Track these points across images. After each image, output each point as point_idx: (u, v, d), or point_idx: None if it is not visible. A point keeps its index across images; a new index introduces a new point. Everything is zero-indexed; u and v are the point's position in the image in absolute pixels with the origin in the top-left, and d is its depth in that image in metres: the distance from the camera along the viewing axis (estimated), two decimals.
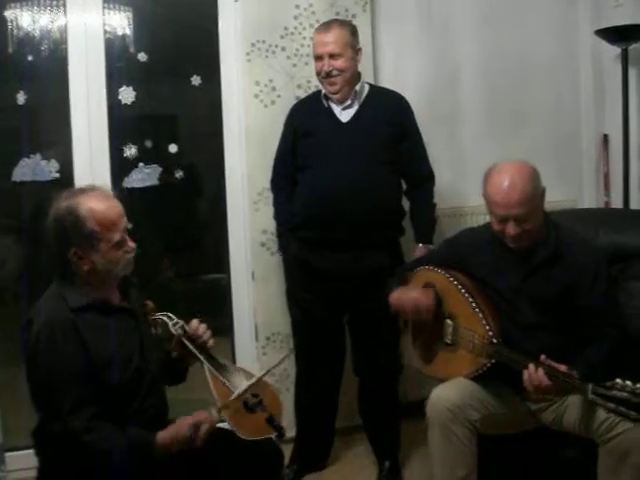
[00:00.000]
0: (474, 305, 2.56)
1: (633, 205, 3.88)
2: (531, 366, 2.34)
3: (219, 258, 3.85)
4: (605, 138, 4.16)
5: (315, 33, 3.20)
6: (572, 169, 4.18)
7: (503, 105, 4.06)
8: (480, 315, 2.53)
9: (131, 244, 2.23)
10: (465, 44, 3.97)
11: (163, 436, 2.10)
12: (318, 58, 3.13)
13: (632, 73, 3.85)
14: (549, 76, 4.13)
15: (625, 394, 2.09)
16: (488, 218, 3.67)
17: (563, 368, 2.31)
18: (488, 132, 4.04)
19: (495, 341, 2.48)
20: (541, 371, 2.31)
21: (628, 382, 2.11)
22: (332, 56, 3.09)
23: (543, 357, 2.34)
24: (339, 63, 3.09)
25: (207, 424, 2.13)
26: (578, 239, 2.61)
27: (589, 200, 4.17)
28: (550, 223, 2.59)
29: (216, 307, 3.85)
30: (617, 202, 4.04)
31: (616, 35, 3.75)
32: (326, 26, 3.16)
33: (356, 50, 3.16)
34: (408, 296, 2.72)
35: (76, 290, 2.18)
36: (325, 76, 3.11)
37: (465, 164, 3.99)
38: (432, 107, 3.81)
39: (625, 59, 3.77)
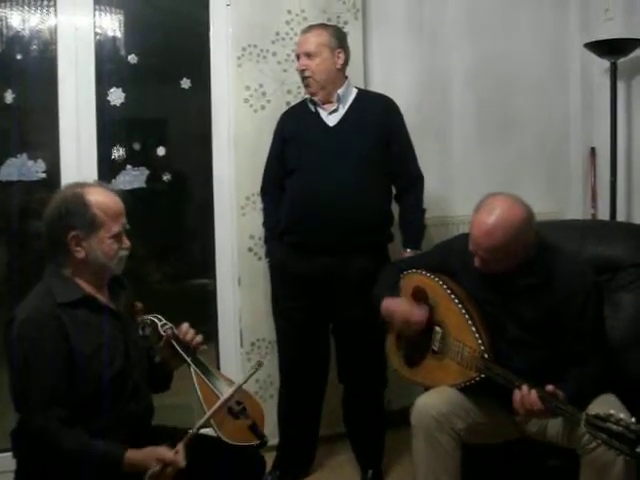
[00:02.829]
0: (467, 317, 2.54)
1: (619, 217, 3.90)
2: (524, 387, 2.31)
3: (205, 263, 3.82)
4: (592, 151, 4.17)
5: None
6: (559, 180, 4.20)
7: (492, 115, 4.08)
8: (473, 328, 2.51)
9: (127, 242, 2.25)
10: (455, 53, 3.99)
11: (133, 457, 2.06)
12: (297, 57, 3.17)
13: (620, 86, 3.89)
14: (538, 87, 4.15)
15: (620, 428, 2.07)
16: None
17: (551, 388, 2.28)
18: (476, 142, 4.06)
19: (487, 356, 2.46)
20: (534, 394, 2.28)
21: (622, 415, 2.09)
22: (307, 55, 3.12)
23: (550, 387, 2.28)
24: (313, 63, 3.12)
25: (173, 467, 2.07)
26: (570, 264, 2.53)
27: (575, 212, 4.18)
28: (541, 247, 2.52)
29: (202, 312, 3.82)
30: (603, 214, 4.04)
31: (605, 48, 3.77)
32: (309, 27, 3.21)
33: (335, 52, 3.16)
34: (400, 308, 2.70)
35: (66, 285, 2.16)
36: (301, 75, 3.15)
37: (453, 173, 4.02)
38: (421, 115, 3.81)
39: (614, 73, 3.79)
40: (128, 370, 2.23)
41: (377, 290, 2.82)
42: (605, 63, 3.88)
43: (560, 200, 4.15)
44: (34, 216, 3.57)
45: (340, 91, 3.16)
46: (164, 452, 2.08)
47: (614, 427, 2.08)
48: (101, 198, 2.19)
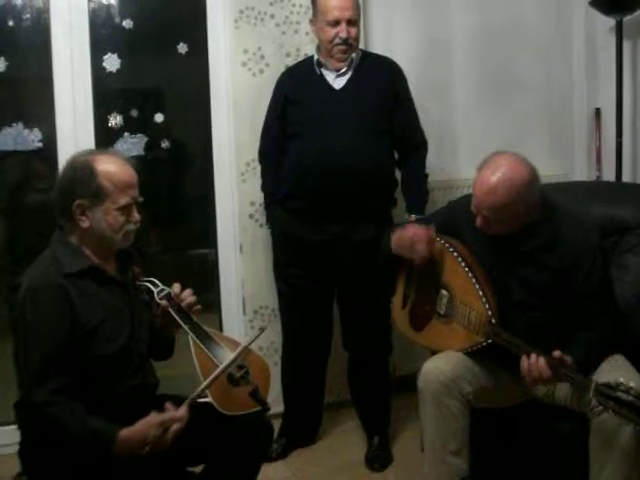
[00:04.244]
0: (474, 281, 2.49)
1: (625, 179, 3.85)
2: (533, 355, 2.28)
3: (206, 232, 3.78)
4: (597, 112, 4.11)
5: None
6: (564, 142, 4.14)
7: (494, 77, 4.01)
8: (480, 292, 2.47)
9: (136, 215, 2.18)
10: (457, 13, 3.91)
11: (127, 435, 1.98)
12: (334, 23, 3.02)
13: (627, 45, 3.81)
14: (541, 47, 4.08)
15: (630, 397, 2.05)
16: None
17: (558, 354, 2.25)
18: (479, 104, 4.00)
19: (494, 321, 2.42)
20: (543, 361, 2.25)
21: (632, 384, 2.07)
22: (350, 22, 3.02)
23: (557, 353, 2.26)
24: (355, 31, 3.04)
25: (177, 424, 2.02)
26: (577, 226, 2.49)
27: (580, 174, 4.13)
28: (548, 208, 2.48)
29: (203, 282, 3.79)
30: (608, 176, 4.00)
31: (611, 6, 3.70)
32: None
33: (360, 14, 3.12)
34: (410, 228, 2.65)
35: (72, 254, 2.12)
36: (341, 43, 3.03)
37: (456, 137, 3.96)
38: (422, 78, 3.73)
39: (620, 31, 3.71)
40: (133, 344, 2.19)
41: (384, 238, 2.77)
42: (610, 21, 3.80)
43: (565, 162, 4.10)
44: (32, 187, 3.54)
45: (353, 54, 3.09)
46: (157, 415, 2.02)
47: (624, 396, 2.06)
48: (111, 168, 2.12)
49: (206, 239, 3.81)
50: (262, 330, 2.45)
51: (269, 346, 3.52)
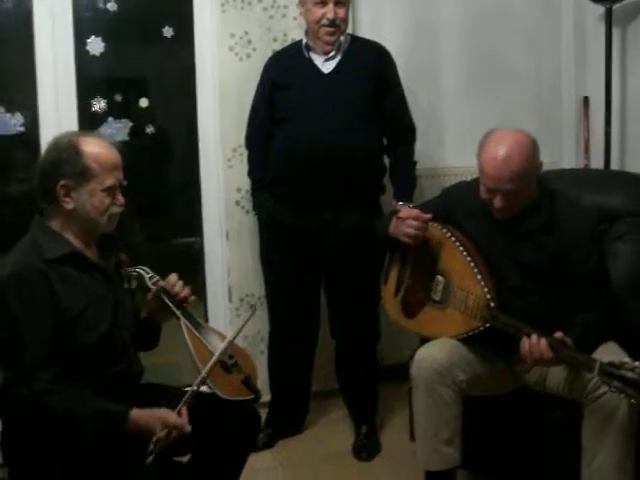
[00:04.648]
0: (472, 265, 2.47)
1: (613, 167, 3.82)
2: (534, 336, 2.26)
3: (191, 220, 3.74)
4: (585, 100, 4.09)
5: None
6: (552, 131, 4.11)
7: (482, 64, 3.98)
8: (478, 276, 2.44)
9: (121, 198, 2.13)
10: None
11: (136, 417, 1.98)
12: (320, 4, 2.98)
13: (616, 33, 3.78)
14: (529, 34, 4.05)
15: (635, 375, 2.03)
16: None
17: (560, 335, 2.24)
18: (467, 91, 3.97)
19: (492, 305, 2.40)
20: (544, 342, 2.23)
21: (637, 363, 2.06)
22: (337, 3, 2.98)
23: (559, 334, 2.24)
24: (342, 11, 3.00)
25: (178, 431, 2.00)
26: (574, 209, 2.50)
27: (569, 162, 4.11)
28: (545, 191, 2.49)
29: (188, 271, 3.73)
30: (596, 164, 3.97)
31: None
32: None
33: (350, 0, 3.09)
34: (405, 210, 2.64)
35: (53, 239, 2.07)
36: (327, 24, 2.98)
37: (443, 124, 3.93)
38: (410, 64, 3.66)
39: (609, 19, 3.69)
40: (116, 331, 2.14)
41: (380, 223, 2.76)
42: (599, 9, 3.79)
43: (553, 150, 4.05)
44: (12, 177, 3.48)
45: (342, 38, 3.06)
46: (168, 415, 2.00)
47: (629, 374, 2.05)
48: (96, 149, 2.08)
49: (191, 227, 3.76)
50: (254, 309, 2.42)
51: (255, 335, 3.48)
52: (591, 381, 2.26)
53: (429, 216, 2.58)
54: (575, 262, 2.42)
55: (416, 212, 2.60)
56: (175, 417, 2.00)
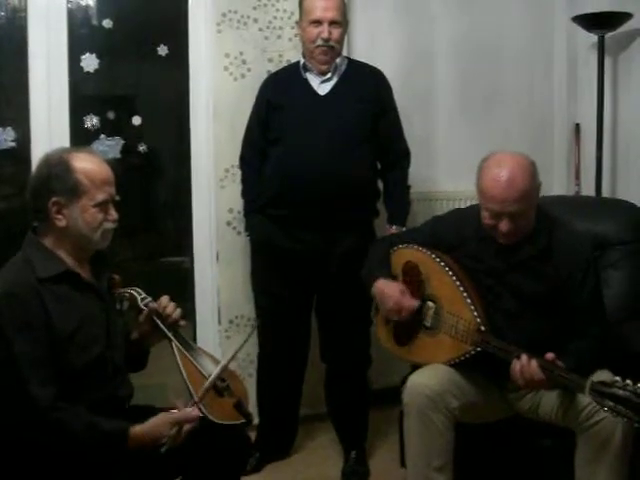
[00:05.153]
0: (461, 289, 2.45)
1: (604, 194, 3.85)
2: (524, 357, 2.24)
3: (180, 240, 3.70)
4: (577, 127, 4.12)
5: None
6: (543, 157, 4.06)
7: (475, 89, 4.01)
8: (468, 300, 2.43)
9: (114, 214, 2.10)
10: (440, 24, 3.91)
11: (139, 430, 1.97)
12: (315, 23, 2.99)
13: (608, 62, 3.82)
14: (523, 61, 4.09)
15: (627, 393, 2.01)
16: (458, 205, 3.67)
17: (551, 356, 2.22)
18: (460, 116, 3.99)
19: (483, 328, 2.38)
20: (534, 363, 2.22)
21: (629, 381, 2.04)
22: (333, 23, 2.99)
23: (550, 355, 2.22)
24: (337, 32, 3.01)
25: (190, 424, 2.00)
26: (571, 236, 2.49)
27: (559, 188, 4.13)
28: (542, 216, 2.48)
29: (178, 290, 3.69)
30: (586, 191, 4.01)
31: (594, 22, 3.70)
32: None
33: (347, 23, 3.10)
34: (394, 294, 2.56)
35: (46, 258, 2.03)
36: (322, 44, 2.99)
37: (436, 148, 3.94)
38: (404, 88, 3.67)
39: (602, 47, 3.72)
40: (109, 352, 2.11)
41: (367, 266, 2.72)
42: (592, 37, 3.82)
43: (544, 176, 3.96)
44: (2, 188, 3.44)
45: (338, 60, 3.06)
46: (171, 414, 2.00)
47: (620, 392, 2.03)
48: (87, 165, 2.06)
49: (180, 247, 3.72)
50: (256, 326, 2.40)
51: (244, 357, 3.44)
52: (585, 408, 2.24)
53: (410, 305, 2.55)
54: (571, 289, 2.40)
55: (402, 303, 2.55)
56: (180, 412, 2.00)
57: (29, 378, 1.90)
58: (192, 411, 2.01)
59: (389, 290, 2.58)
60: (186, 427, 1.99)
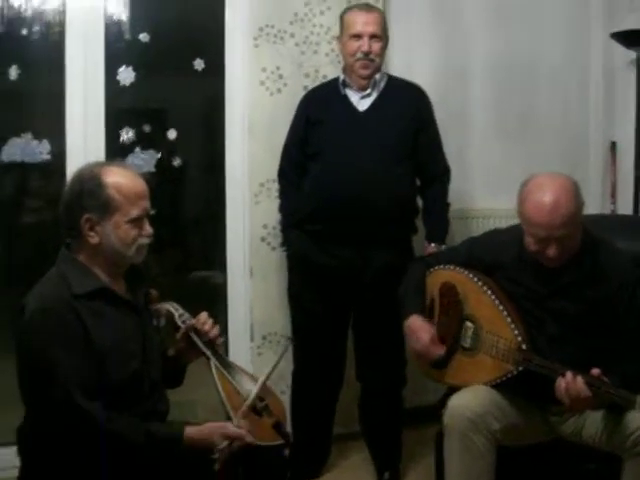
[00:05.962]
0: (501, 308, 2.41)
1: None
2: (569, 374, 2.19)
3: (214, 255, 3.68)
4: (613, 145, 4.07)
5: (350, 11, 3.08)
6: (579, 175, 3.97)
7: (511, 106, 3.98)
8: (508, 319, 2.39)
9: (148, 229, 2.06)
10: (476, 41, 3.88)
11: (194, 434, 1.97)
12: (355, 37, 2.99)
13: None
14: (559, 78, 4.05)
15: None
16: (494, 223, 3.63)
17: (597, 372, 2.18)
18: (495, 133, 3.96)
19: (524, 347, 2.34)
20: (580, 380, 2.17)
21: None
22: (373, 37, 2.98)
23: (596, 370, 2.18)
24: (377, 46, 3.00)
25: (240, 442, 1.98)
26: (616, 255, 2.44)
27: (594, 207, 4.04)
28: (588, 239, 2.42)
29: (209, 305, 3.67)
30: (622, 210, 3.97)
31: (632, 39, 3.66)
32: (367, 7, 3.08)
33: (387, 39, 3.09)
34: (423, 337, 2.52)
35: (82, 274, 2.00)
36: (362, 57, 2.98)
37: (471, 165, 3.90)
38: (440, 105, 3.62)
39: None
40: (145, 368, 2.08)
41: (404, 288, 2.68)
42: (631, 54, 3.78)
43: None
44: (26, 206, 3.44)
45: (377, 76, 3.05)
46: (226, 425, 1.99)
47: None
48: (120, 179, 2.02)
49: (212, 261, 3.69)
50: (290, 343, 2.36)
51: (276, 373, 3.37)
52: (633, 434, 2.19)
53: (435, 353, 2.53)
54: (616, 313, 2.35)
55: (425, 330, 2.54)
56: (234, 428, 1.98)
57: (76, 393, 1.87)
58: (245, 433, 1.98)
59: (420, 334, 2.53)
60: (236, 444, 1.96)
